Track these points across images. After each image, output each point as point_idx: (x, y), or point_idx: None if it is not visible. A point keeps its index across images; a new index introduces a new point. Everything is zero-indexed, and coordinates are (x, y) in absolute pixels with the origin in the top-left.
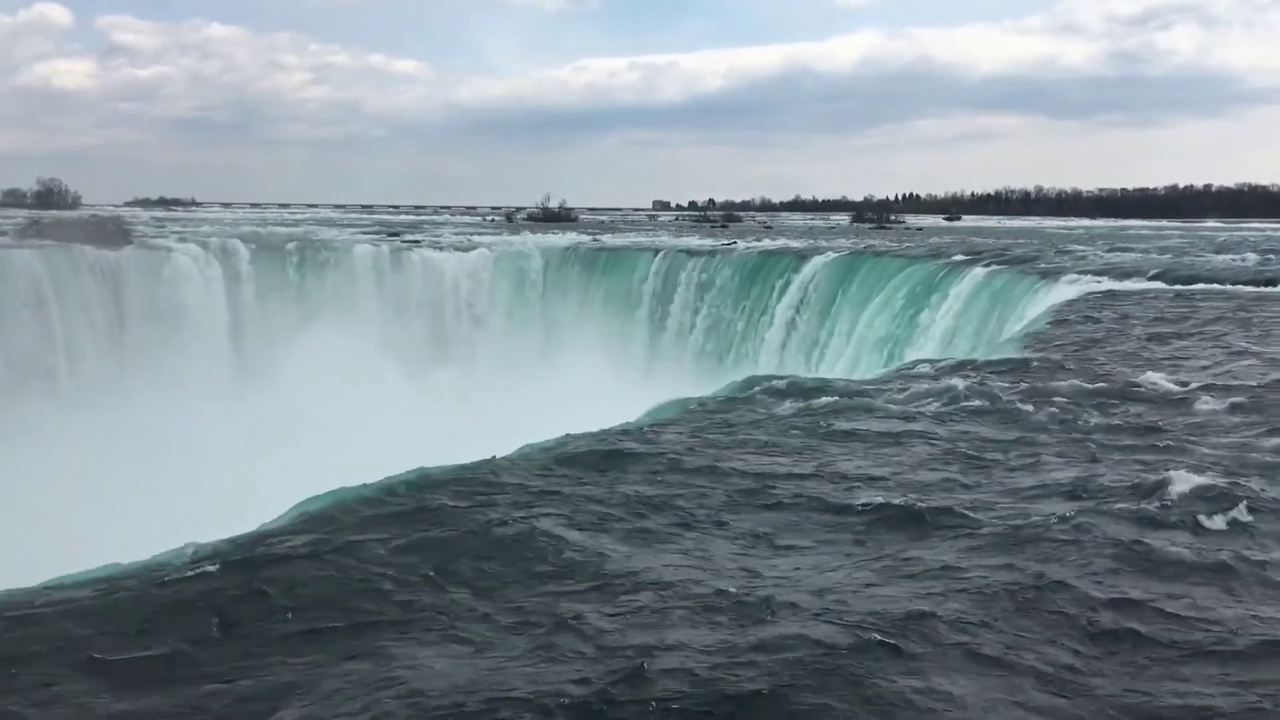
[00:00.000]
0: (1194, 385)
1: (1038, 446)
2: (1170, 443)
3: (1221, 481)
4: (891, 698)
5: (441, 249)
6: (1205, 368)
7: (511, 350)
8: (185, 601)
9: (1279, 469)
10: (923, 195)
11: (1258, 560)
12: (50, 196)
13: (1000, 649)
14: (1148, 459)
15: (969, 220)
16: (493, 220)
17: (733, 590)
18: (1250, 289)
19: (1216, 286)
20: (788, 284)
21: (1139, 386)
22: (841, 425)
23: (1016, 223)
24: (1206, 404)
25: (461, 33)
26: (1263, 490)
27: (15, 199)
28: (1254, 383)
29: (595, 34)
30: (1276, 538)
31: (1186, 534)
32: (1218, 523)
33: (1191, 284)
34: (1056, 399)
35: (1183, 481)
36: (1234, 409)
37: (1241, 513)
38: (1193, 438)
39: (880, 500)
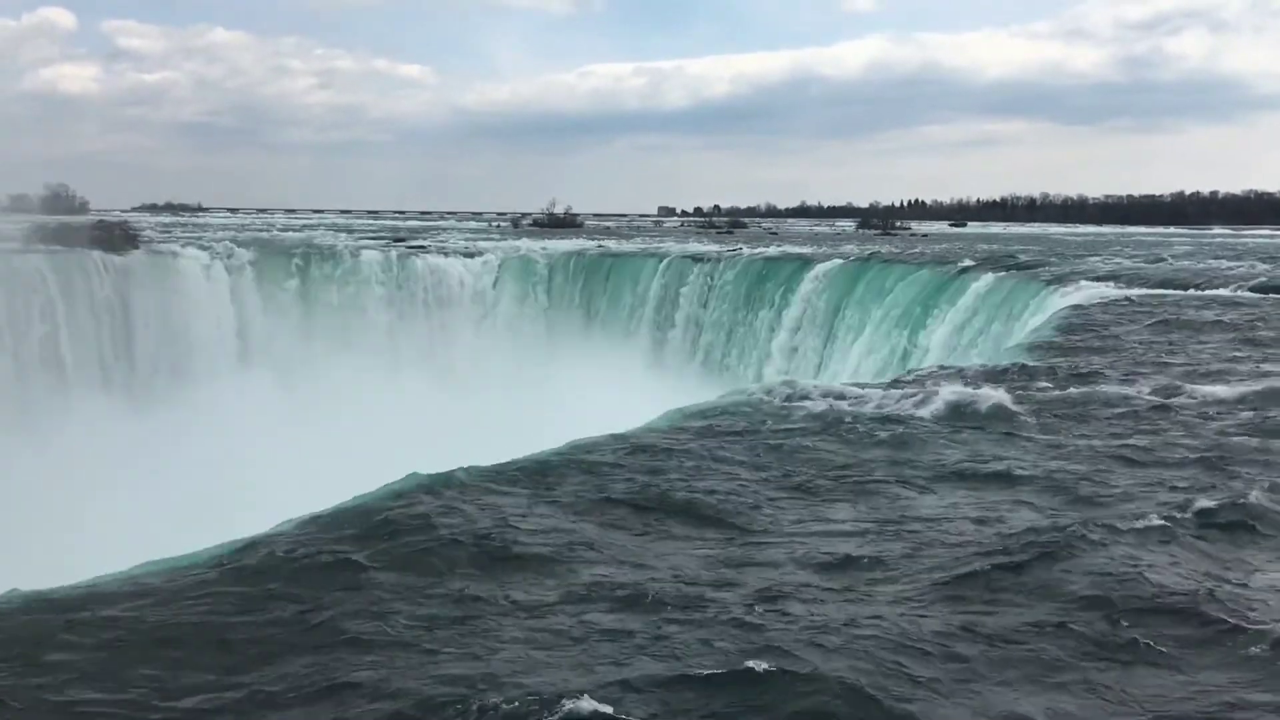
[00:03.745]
0: (1196, 391)
1: (1040, 454)
2: (1173, 450)
3: (1227, 491)
4: (871, 700)
5: (447, 255)
6: (1210, 374)
7: (517, 355)
8: (185, 606)
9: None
10: (928, 201)
11: (1257, 568)
12: (57, 202)
13: (995, 660)
14: (1149, 467)
15: (975, 226)
16: (498, 226)
17: (719, 593)
18: (1255, 295)
19: (1223, 293)
20: (793, 290)
21: (1141, 393)
22: (844, 431)
23: (1022, 229)
24: (1209, 410)
25: (466, 37)
26: (1264, 499)
27: (23, 204)
28: (1257, 389)
29: (601, 39)
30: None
31: (1193, 544)
32: (1228, 533)
33: (1197, 290)
34: (1060, 406)
35: (1185, 490)
36: (1238, 416)
37: (1246, 523)
38: (1194, 445)
39: (877, 505)
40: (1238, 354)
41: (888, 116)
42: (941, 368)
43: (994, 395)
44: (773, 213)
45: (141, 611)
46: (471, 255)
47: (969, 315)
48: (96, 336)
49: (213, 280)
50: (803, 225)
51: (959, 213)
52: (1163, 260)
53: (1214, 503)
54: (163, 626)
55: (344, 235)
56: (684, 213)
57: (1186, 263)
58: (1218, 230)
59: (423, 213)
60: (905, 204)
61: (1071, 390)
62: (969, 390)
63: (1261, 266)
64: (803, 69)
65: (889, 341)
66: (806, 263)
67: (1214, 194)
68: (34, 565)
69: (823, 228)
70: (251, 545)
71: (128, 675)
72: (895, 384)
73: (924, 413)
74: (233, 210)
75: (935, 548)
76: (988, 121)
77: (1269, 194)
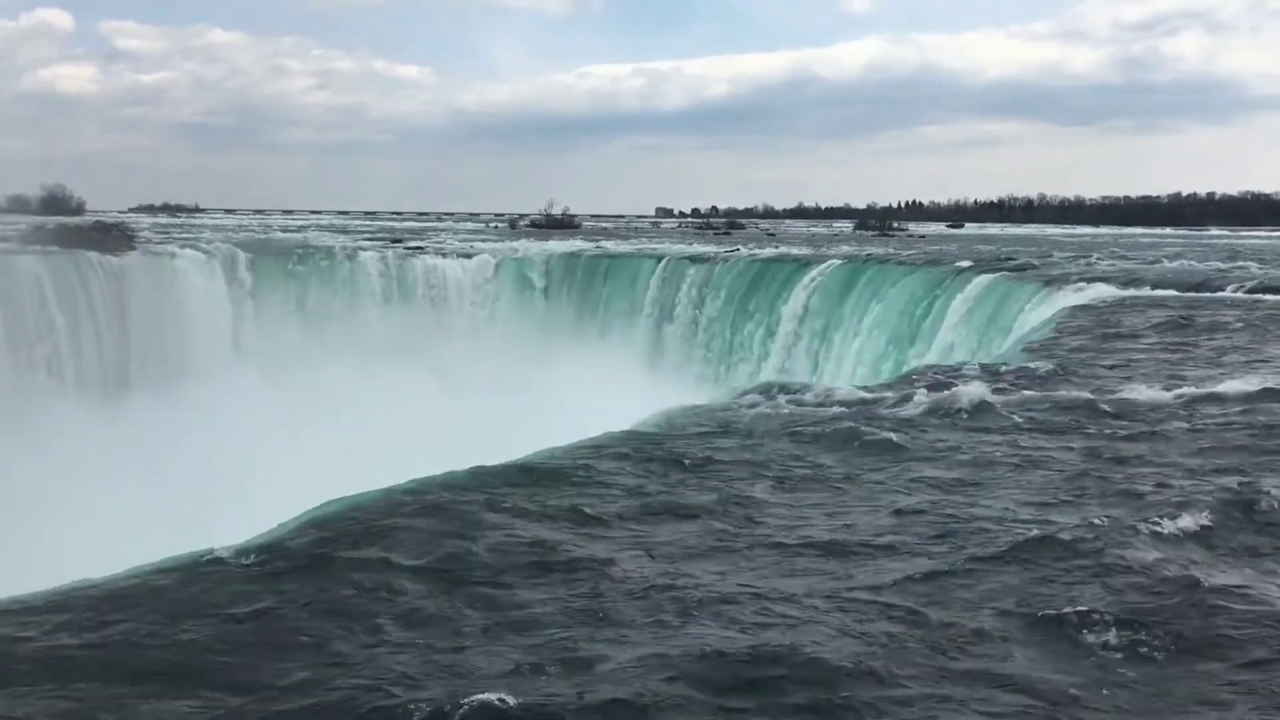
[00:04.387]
0: (1197, 394)
1: (1038, 456)
2: (1172, 455)
3: (1217, 493)
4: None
5: (445, 255)
6: (1207, 376)
7: (514, 357)
8: (189, 606)
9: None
10: (926, 202)
11: (1256, 570)
12: (55, 202)
13: (987, 666)
14: (1146, 471)
15: (972, 228)
16: (496, 227)
17: (717, 593)
18: (1253, 297)
19: (1221, 295)
20: (790, 291)
21: (1141, 395)
22: (841, 433)
23: (1019, 230)
24: (1207, 414)
25: (464, 38)
26: (1259, 500)
27: (20, 205)
28: (1251, 389)
29: (599, 39)
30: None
31: (1186, 550)
32: (1214, 537)
33: (1194, 291)
34: (1057, 408)
35: (1182, 493)
36: (1231, 418)
37: (1233, 526)
38: (1195, 450)
39: (876, 508)
40: (1234, 355)
41: (886, 117)
42: (939, 368)
43: (990, 396)
44: (770, 213)
45: (121, 614)
46: (469, 256)
47: (967, 316)
48: (93, 337)
49: (210, 281)
50: (800, 226)
51: (956, 214)
52: (1158, 262)
53: (1209, 508)
54: (146, 629)
55: (341, 236)
56: (682, 214)
57: (1179, 264)
58: (1215, 231)
59: (420, 213)
60: (903, 205)
61: (1068, 392)
62: (966, 390)
63: (1256, 268)
64: (801, 70)
65: (886, 342)
66: (804, 264)
67: (1211, 195)
68: (31, 565)
69: (820, 229)
70: (254, 547)
71: (103, 678)
72: (891, 385)
73: (919, 413)
74: (230, 211)
75: (932, 553)
76: (986, 122)
77: (1266, 195)
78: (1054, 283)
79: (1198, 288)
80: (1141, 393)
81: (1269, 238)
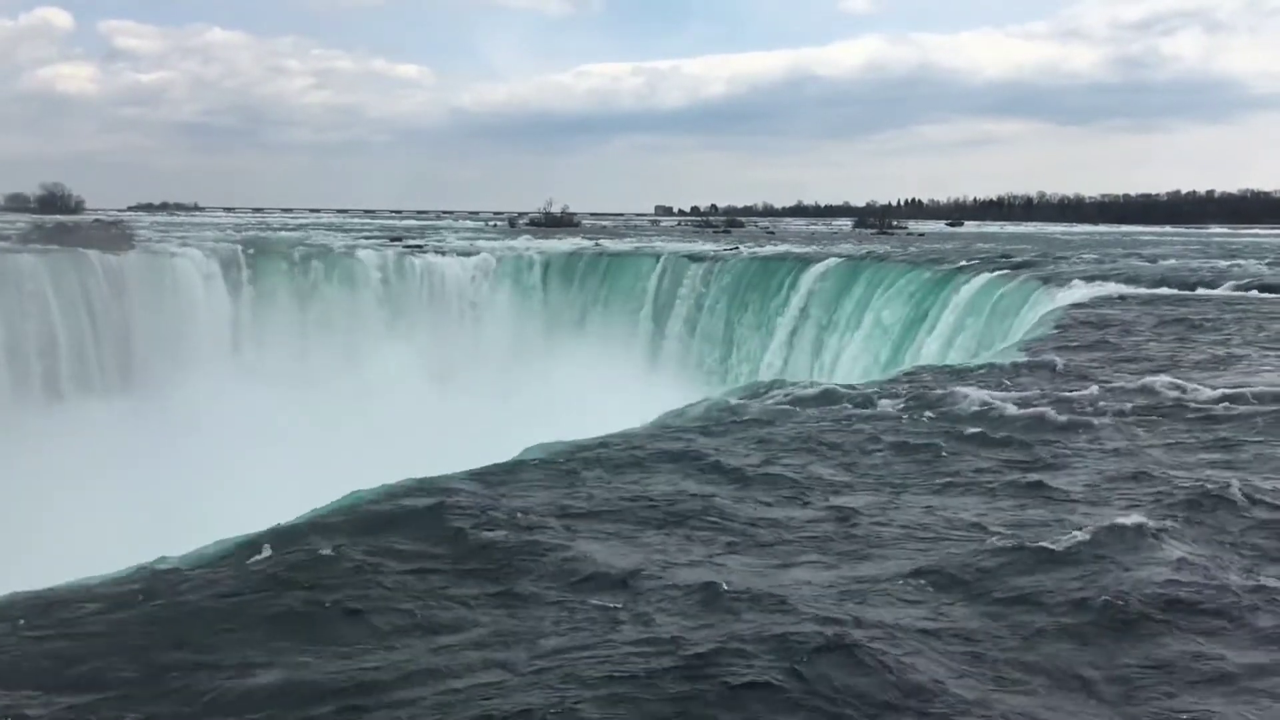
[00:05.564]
0: (1197, 392)
1: (1035, 453)
2: (1172, 452)
3: (1224, 491)
4: (855, 699)
5: (444, 254)
6: (1207, 374)
7: (513, 355)
8: (181, 606)
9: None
10: (925, 201)
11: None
12: (54, 201)
13: (973, 661)
14: (1145, 467)
15: (971, 226)
16: (495, 225)
17: (714, 592)
18: (1255, 294)
19: (1221, 292)
20: (791, 289)
21: (1140, 393)
22: (840, 431)
23: (1018, 228)
24: (1209, 411)
25: (463, 37)
26: (1257, 500)
27: (19, 204)
28: (1250, 388)
29: (598, 39)
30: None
31: (1188, 546)
32: (1220, 533)
33: (1194, 289)
34: (1054, 407)
35: (1186, 492)
36: (1229, 415)
37: (1234, 521)
38: (1195, 445)
39: (875, 507)
40: (1233, 352)
41: (884, 116)
42: (939, 366)
43: (991, 394)
44: (769, 212)
45: (115, 614)
46: (468, 255)
47: (967, 313)
48: (92, 336)
49: (208, 280)
50: (800, 224)
51: (956, 212)
52: (1157, 260)
53: (1216, 507)
54: (138, 628)
55: (341, 235)
56: (681, 212)
57: (1179, 262)
58: (1215, 229)
59: (419, 212)
60: (902, 203)
61: (1067, 390)
62: (966, 389)
63: (1254, 266)
64: (799, 69)
65: (887, 340)
66: (804, 262)
67: (1210, 193)
68: (29, 566)
69: (820, 227)
70: (251, 545)
71: (95, 676)
72: (892, 382)
73: (919, 411)
74: (229, 209)
75: (932, 552)
76: (984, 121)
77: (1265, 193)
78: (1053, 281)
79: (1196, 285)
80: (1140, 392)
81: (1269, 235)
